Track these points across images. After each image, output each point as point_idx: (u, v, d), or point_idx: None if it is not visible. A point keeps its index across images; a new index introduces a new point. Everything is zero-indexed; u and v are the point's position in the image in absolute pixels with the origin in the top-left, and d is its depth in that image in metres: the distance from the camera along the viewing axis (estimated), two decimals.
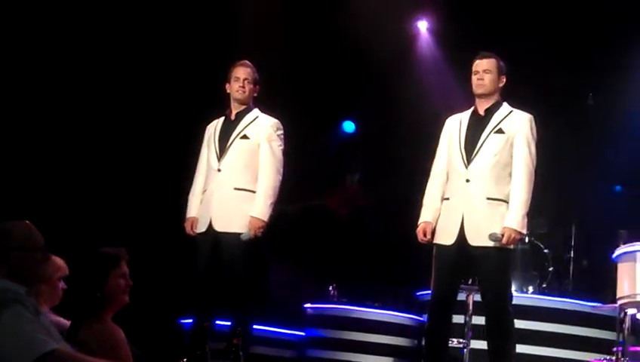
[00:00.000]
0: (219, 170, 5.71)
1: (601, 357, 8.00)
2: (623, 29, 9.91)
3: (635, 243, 5.61)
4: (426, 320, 8.65)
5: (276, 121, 5.81)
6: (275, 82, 6.18)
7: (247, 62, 5.83)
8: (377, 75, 10.36)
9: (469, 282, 5.92)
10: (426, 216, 5.19)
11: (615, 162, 9.70)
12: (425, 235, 5.15)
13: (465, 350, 6.56)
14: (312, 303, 9.90)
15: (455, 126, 5.20)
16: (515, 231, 4.95)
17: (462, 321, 6.46)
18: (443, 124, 5.31)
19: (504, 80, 5.15)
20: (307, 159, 9.45)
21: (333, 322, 9.60)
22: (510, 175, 5.01)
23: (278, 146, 5.71)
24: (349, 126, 11.60)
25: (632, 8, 9.61)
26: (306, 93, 10.39)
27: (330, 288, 10.00)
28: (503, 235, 4.83)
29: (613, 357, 7.43)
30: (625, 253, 5.70)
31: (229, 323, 5.72)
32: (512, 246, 5.03)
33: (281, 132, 5.78)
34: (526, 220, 4.99)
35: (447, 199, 5.14)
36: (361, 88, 10.63)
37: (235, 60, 5.84)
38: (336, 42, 10.38)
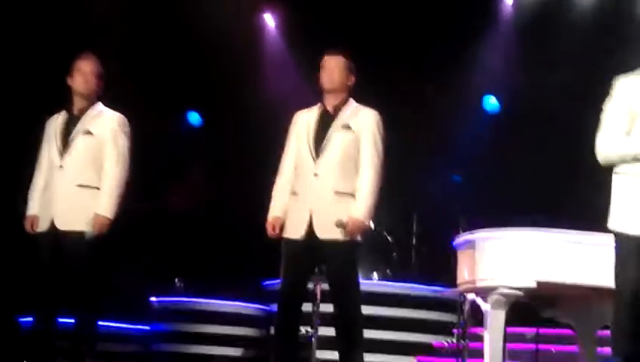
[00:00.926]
0: (61, 167, 5.54)
1: (443, 338, 8.31)
2: (462, 20, 10.26)
3: (473, 231, 5.82)
4: (273, 309, 8.79)
5: (121, 116, 5.69)
6: (119, 75, 6.04)
7: (91, 55, 5.67)
8: (224, 67, 10.32)
9: (316, 271, 5.99)
10: (275, 210, 5.22)
11: (454, 152, 10.04)
12: (274, 229, 5.18)
13: (313, 338, 6.65)
14: (157, 297, 9.80)
15: (303, 121, 5.24)
16: (360, 220, 5.04)
17: (310, 310, 6.55)
18: (291, 119, 5.34)
19: (353, 78, 5.23)
20: (152, 153, 9.32)
21: (180, 315, 9.54)
22: (358, 170, 5.10)
23: (123, 142, 5.59)
24: (194, 117, 11.51)
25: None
26: (152, 86, 10.24)
27: (177, 281, 9.93)
28: (347, 223, 4.92)
29: (454, 339, 7.74)
30: (464, 240, 5.91)
31: (72, 321, 5.59)
32: (359, 240, 5.11)
33: (127, 128, 5.66)
34: (372, 212, 5.10)
35: (296, 193, 5.17)
36: (208, 80, 10.56)
37: (78, 53, 5.67)
38: (183, 34, 10.28)
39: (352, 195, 5.11)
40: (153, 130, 9.03)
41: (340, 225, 4.90)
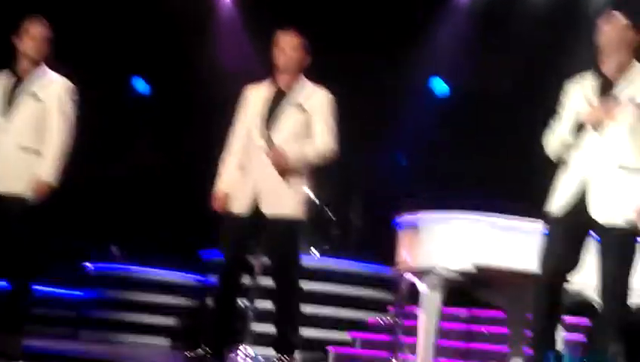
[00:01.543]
0: (3, 128, 5.44)
1: (379, 315, 8.41)
2: (415, 5, 10.30)
3: (415, 213, 5.88)
4: (209, 280, 8.79)
5: (68, 82, 5.59)
6: (67, 41, 5.93)
7: (41, 18, 5.56)
8: (175, 37, 10.23)
9: (257, 246, 6.00)
10: (221, 184, 5.21)
11: (400, 132, 10.10)
12: (220, 203, 5.17)
13: (250, 311, 6.67)
14: (93, 263, 9.73)
15: (255, 98, 5.23)
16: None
17: (248, 282, 6.56)
18: (240, 91, 5.32)
19: (307, 58, 5.22)
20: (99, 121, 9.20)
21: (115, 282, 9.50)
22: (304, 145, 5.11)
23: (69, 109, 5.51)
24: (140, 85, 11.38)
25: None
26: (99, 52, 10.10)
27: (113, 248, 9.86)
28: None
29: (389, 316, 7.83)
30: (406, 221, 5.96)
31: (5, 285, 5.51)
32: (303, 217, 5.14)
33: (74, 95, 5.58)
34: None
35: (244, 169, 5.17)
36: (157, 48, 10.46)
37: (28, 16, 5.56)
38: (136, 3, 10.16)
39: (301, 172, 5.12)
40: (98, 95, 8.91)
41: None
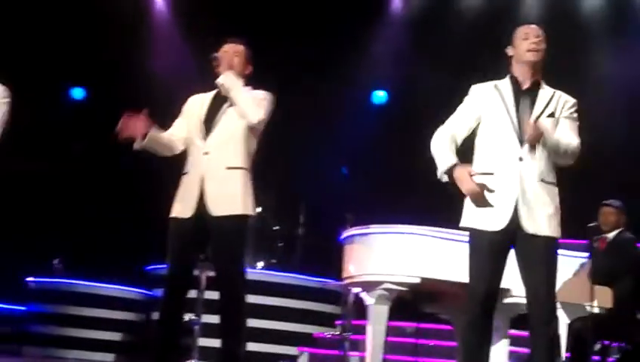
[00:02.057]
0: None
1: (325, 329, 8.40)
2: (354, 10, 10.35)
3: (360, 227, 5.88)
4: (155, 294, 8.69)
5: (2, 86, 5.48)
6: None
7: None
8: (111, 42, 10.14)
9: (203, 258, 5.94)
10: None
11: (342, 144, 10.11)
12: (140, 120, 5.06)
13: (196, 325, 6.61)
14: (34, 277, 9.57)
15: (196, 102, 5.20)
16: None
17: (194, 296, 6.51)
18: (178, 96, 5.28)
19: (250, 67, 5.21)
20: (33, 126, 9.08)
21: (58, 296, 9.35)
22: (247, 145, 5.07)
23: (1, 113, 5.39)
24: (76, 92, 11.28)
25: None
26: (33, 58, 9.97)
27: (55, 261, 9.71)
28: None
29: (336, 330, 7.83)
30: (351, 235, 5.97)
31: None
32: (249, 217, 5.08)
33: (7, 97, 5.44)
34: None
35: (187, 173, 5.12)
36: (93, 54, 10.35)
37: None
38: (69, 6, 10.05)
39: (243, 168, 5.08)
40: (34, 103, 8.79)
41: None
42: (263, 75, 5.26)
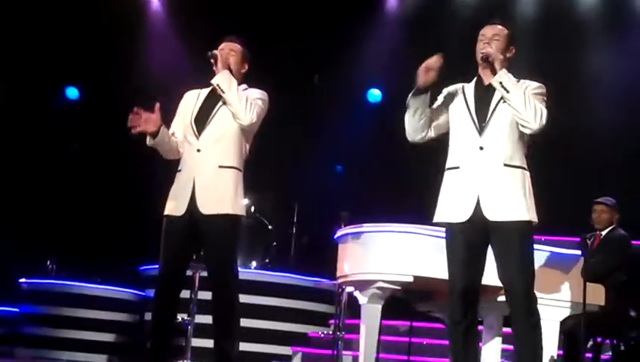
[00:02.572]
0: None
1: (319, 329, 8.39)
2: (349, 8, 10.34)
3: (355, 226, 5.86)
4: (148, 294, 8.66)
5: None
6: None
7: None
8: (106, 41, 10.12)
9: (195, 258, 5.92)
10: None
11: (337, 143, 10.10)
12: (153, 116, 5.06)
13: (189, 325, 6.60)
14: (27, 278, 9.54)
15: (191, 99, 5.18)
16: None
17: (187, 296, 6.49)
18: (173, 95, 5.27)
19: (247, 66, 5.20)
20: (30, 126, 9.06)
21: (50, 297, 9.32)
22: (240, 144, 5.05)
23: None
24: (72, 92, 11.25)
25: None
26: (30, 59, 9.94)
27: (48, 262, 9.68)
28: None
29: (330, 330, 7.81)
30: (345, 234, 5.94)
31: None
32: (241, 216, 5.06)
33: None
34: None
35: (180, 170, 5.11)
36: (88, 54, 10.33)
37: None
38: (64, 7, 10.03)
39: (236, 168, 5.06)
40: (31, 103, 8.79)
41: None
42: (257, 74, 5.25)
